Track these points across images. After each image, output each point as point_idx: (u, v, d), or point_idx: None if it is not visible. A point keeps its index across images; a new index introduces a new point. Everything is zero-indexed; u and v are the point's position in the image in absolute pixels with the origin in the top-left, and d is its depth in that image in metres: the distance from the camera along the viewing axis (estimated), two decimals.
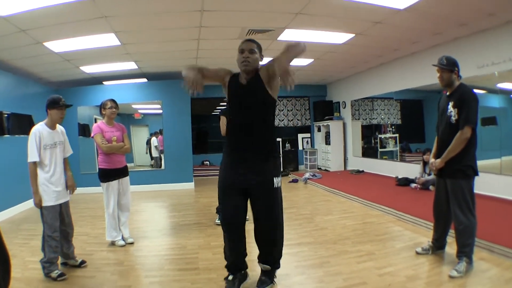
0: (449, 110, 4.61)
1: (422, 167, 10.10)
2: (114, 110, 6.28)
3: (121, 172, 6.32)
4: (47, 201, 4.83)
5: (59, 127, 5.19)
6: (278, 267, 4.37)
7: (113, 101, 6.32)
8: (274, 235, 4.15)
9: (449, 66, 4.59)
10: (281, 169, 3.73)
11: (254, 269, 4.58)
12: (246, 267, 4.36)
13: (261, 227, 4.15)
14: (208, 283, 4.52)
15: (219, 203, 4.30)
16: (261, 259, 4.31)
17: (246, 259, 4.35)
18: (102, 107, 6.29)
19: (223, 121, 6.47)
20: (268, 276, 4.29)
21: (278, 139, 16.17)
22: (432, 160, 4.91)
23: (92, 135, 6.20)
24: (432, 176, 9.20)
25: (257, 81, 3.99)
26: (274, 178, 4.02)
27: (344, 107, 15.94)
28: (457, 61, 4.65)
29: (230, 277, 4.20)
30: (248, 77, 4.04)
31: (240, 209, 4.10)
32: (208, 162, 16.07)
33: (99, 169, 6.24)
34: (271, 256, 4.27)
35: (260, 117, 4.02)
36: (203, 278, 4.70)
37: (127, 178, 6.45)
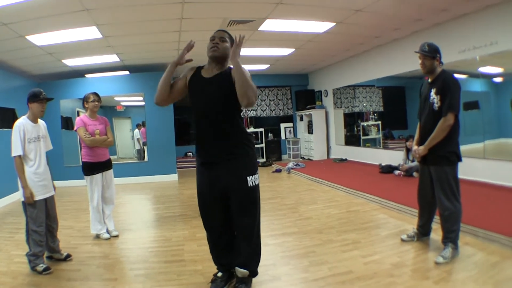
0: (431, 97, 4.63)
1: (405, 154, 10.18)
2: (96, 103, 6.24)
3: (104, 165, 6.31)
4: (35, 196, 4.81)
5: (40, 122, 5.16)
6: (256, 274, 4.11)
7: (95, 94, 6.28)
8: (251, 236, 3.91)
9: (431, 53, 4.61)
10: (258, 164, 3.51)
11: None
12: (233, 269, 4.12)
13: (238, 230, 3.97)
14: (194, 274, 4.53)
15: (198, 203, 4.09)
16: (239, 262, 3.98)
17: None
18: (84, 100, 6.26)
19: None
20: (245, 284, 3.98)
21: (260, 129, 16.32)
22: (415, 147, 4.93)
23: (75, 128, 6.17)
24: (415, 163, 9.25)
25: (225, 76, 3.76)
26: (248, 177, 3.80)
27: (326, 96, 16.00)
28: (439, 48, 4.67)
29: (220, 274, 4.09)
30: (216, 69, 3.87)
31: (219, 212, 3.96)
32: (191, 154, 16.07)
33: (82, 162, 6.22)
34: (250, 259, 3.99)
35: (227, 111, 3.75)
36: (189, 270, 4.69)
37: (111, 171, 6.45)
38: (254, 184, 3.83)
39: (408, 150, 9.79)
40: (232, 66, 3.69)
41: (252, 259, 4.00)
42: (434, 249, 4.84)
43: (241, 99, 3.51)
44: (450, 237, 4.56)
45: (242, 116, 3.97)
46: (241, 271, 3.96)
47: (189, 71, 4.04)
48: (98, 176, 6.19)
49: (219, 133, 3.73)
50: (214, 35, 3.87)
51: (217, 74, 3.81)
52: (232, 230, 4.05)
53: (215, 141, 3.76)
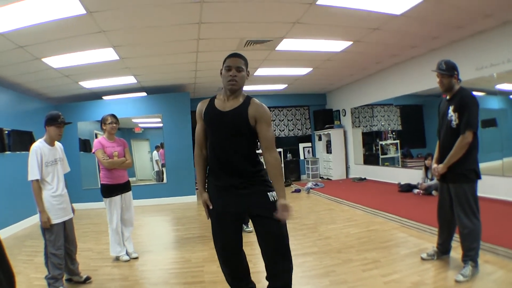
0: (449, 115, 4.60)
1: (424, 172, 10.10)
2: (114, 125, 6.25)
3: (123, 187, 6.29)
4: (53, 219, 4.78)
5: (57, 144, 5.16)
6: None
7: (113, 116, 6.29)
8: (287, 251, 3.68)
9: (448, 71, 4.58)
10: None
11: (260, 280, 4.57)
12: (254, 286, 4.04)
13: (272, 250, 3.67)
14: None
15: (212, 230, 3.85)
16: (279, 285, 3.70)
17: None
18: (102, 122, 6.27)
19: None
20: None
21: (279, 150, 16.28)
22: (434, 165, 4.89)
23: (93, 151, 6.18)
24: (434, 181, 9.20)
25: (241, 110, 3.62)
26: (268, 193, 3.61)
27: (344, 115, 15.95)
28: (456, 65, 4.64)
29: None
30: (231, 98, 3.72)
31: (234, 235, 3.78)
32: None
33: (101, 184, 6.22)
34: (289, 276, 3.70)
35: (242, 145, 3.66)
36: None
37: (129, 193, 6.44)
38: (274, 199, 3.60)
39: (427, 169, 9.73)
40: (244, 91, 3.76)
41: (290, 276, 3.73)
42: (454, 268, 4.78)
43: None
44: (470, 255, 4.50)
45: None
46: None
47: (201, 105, 3.91)
48: (117, 198, 6.17)
49: (234, 166, 3.65)
50: (230, 65, 3.63)
51: (233, 110, 3.64)
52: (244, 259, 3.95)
53: (229, 167, 3.67)
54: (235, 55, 3.69)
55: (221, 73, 3.73)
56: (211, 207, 3.73)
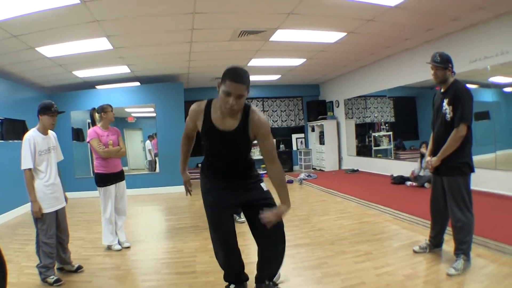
0: (444, 107, 4.60)
1: (419, 161, 10.09)
2: (113, 113, 6.30)
3: (118, 176, 6.30)
4: (45, 208, 4.78)
5: (51, 133, 5.14)
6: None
7: (111, 105, 6.33)
8: (283, 238, 3.84)
9: (442, 64, 4.57)
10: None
11: (253, 271, 4.59)
12: (246, 279, 4.15)
13: (269, 237, 3.78)
14: (205, 286, 4.52)
15: (207, 220, 3.93)
16: (270, 273, 3.97)
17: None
18: (101, 111, 6.25)
19: None
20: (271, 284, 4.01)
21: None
22: (428, 158, 4.90)
23: (88, 140, 6.16)
24: (427, 173, 9.21)
25: (241, 130, 3.54)
26: (261, 184, 3.82)
27: (338, 106, 15.97)
28: (450, 57, 4.63)
29: (232, 286, 4.05)
30: (229, 118, 3.52)
31: (229, 225, 3.83)
32: None
33: (95, 173, 6.21)
34: (280, 264, 3.94)
35: (241, 154, 3.75)
36: (200, 281, 4.68)
37: (123, 182, 6.44)
38: (267, 188, 3.83)
39: (423, 156, 9.72)
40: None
41: (281, 263, 3.95)
42: (446, 261, 4.80)
43: None
44: (462, 249, 4.51)
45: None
46: (270, 285, 3.97)
47: (197, 111, 3.68)
48: (111, 187, 6.17)
49: (231, 169, 3.76)
50: (229, 91, 3.24)
51: (233, 131, 3.53)
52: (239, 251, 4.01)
53: (226, 174, 3.78)
54: (239, 81, 3.26)
55: (218, 86, 3.37)
56: (190, 190, 4.12)
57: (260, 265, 3.94)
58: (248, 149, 3.78)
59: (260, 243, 3.84)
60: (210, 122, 3.56)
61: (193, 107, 3.72)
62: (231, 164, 3.73)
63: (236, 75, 3.26)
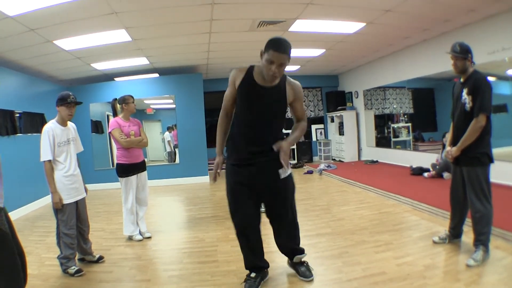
0: (463, 98, 4.58)
1: (441, 151, 10.02)
2: (134, 105, 6.35)
3: (139, 167, 6.34)
4: (65, 199, 4.81)
5: (70, 124, 5.16)
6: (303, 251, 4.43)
7: (132, 96, 6.38)
8: (290, 215, 4.21)
9: (462, 54, 4.55)
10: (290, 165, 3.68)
11: (274, 260, 4.61)
12: (268, 266, 4.32)
13: (282, 218, 4.19)
14: (227, 275, 4.55)
15: (229, 206, 4.13)
16: (292, 253, 4.38)
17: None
18: (123, 102, 6.30)
19: None
20: (304, 265, 4.38)
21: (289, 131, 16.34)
22: (448, 148, 4.88)
23: (109, 130, 6.19)
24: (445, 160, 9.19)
25: (281, 91, 3.85)
26: (280, 170, 3.92)
27: (357, 97, 15.90)
28: (470, 48, 4.60)
29: (253, 274, 4.14)
30: (274, 82, 3.82)
31: (252, 209, 4.05)
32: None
33: (117, 164, 6.23)
34: (295, 242, 4.36)
35: (275, 118, 3.94)
36: (222, 270, 4.71)
37: (145, 173, 6.47)
38: (286, 174, 3.98)
39: (444, 147, 9.65)
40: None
41: (299, 241, 4.39)
42: (465, 252, 4.79)
43: None
44: (481, 240, 4.50)
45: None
46: (299, 257, 4.35)
47: (237, 73, 3.90)
48: (133, 178, 6.21)
49: (261, 138, 3.87)
50: (273, 59, 3.52)
51: (273, 88, 3.82)
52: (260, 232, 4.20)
53: (255, 145, 3.87)
54: (282, 51, 3.53)
55: (261, 54, 3.66)
56: (219, 173, 3.96)
57: (277, 240, 4.38)
58: (282, 114, 3.98)
59: (276, 224, 4.26)
60: (252, 78, 3.81)
61: (233, 71, 3.95)
62: (262, 129, 3.85)
63: (279, 45, 3.54)
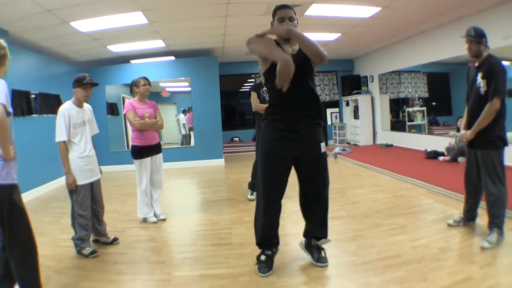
0: (478, 81, 4.58)
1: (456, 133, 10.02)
2: (148, 87, 6.26)
3: (154, 149, 6.30)
4: (80, 180, 4.83)
5: (86, 106, 5.17)
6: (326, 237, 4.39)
7: (145, 78, 6.29)
8: (325, 197, 4.23)
9: (477, 38, 4.55)
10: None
11: (288, 242, 4.65)
12: (279, 242, 4.29)
13: (311, 192, 4.21)
14: (241, 257, 4.57)
15: (262, 176, 4.13)
16: (315, 234, 4.34)
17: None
18: (134, 85, 6.26)
19: (253, 96, 6.63)
20: (322, 250, 4.34)
21: None
22: (462, 131, 4.89)
23: (124, 112, 6.20)
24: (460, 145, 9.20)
25: (301, 52, 3.86)
26: (321, 144, 4.07)
27: (372, 81, 15.87)
28: (484, 32, 4.60)
29: (263, 257, 4.14)
30: (293, 47, 4.03)
31: (285, 182, 4.11)
32: (237, 139, 16.23)
33: (132, 146, 6.22)
34: (325, 226, 4.34)
35: (309, 85, 3.99)
36: (236, 253, 4.74)
37: (160, 155, 6.44)
38: (324, 150, 4.10)
39: (459, 130, 9.65)
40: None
41: (327, 226, 4.37)
42: (480, 234, 4.80)
43: (315, 59, 3.78)
44: (496, 222, 4.51)
45: None
46: (324, 241, 4.32)
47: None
48: (147, 160, 6.20)
49: (301, 104, 3.96)
50: (282, 16, 3.89)
51: (297, 53, 3.95)
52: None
53: (295, 111, 3.95)
54: (284, 7, 3.96)
55: (271, 24, 4.03)
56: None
57: (306, 220, 4.40)
58: (312, 73, 4.03)
59: (302, 189, 4.25)
60: (280, 47, 3.88)
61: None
62: (300, 94, 3.93)
63: (280, 5, 3.99)
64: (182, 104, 14.48)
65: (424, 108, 13.12)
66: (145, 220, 6.31)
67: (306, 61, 3.85)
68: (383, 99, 15.37)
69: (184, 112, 14.34)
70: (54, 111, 5.15)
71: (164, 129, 6.65)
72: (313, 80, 4.06)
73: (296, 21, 3.94)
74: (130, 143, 6.31)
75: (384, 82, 15.21)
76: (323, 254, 4.29)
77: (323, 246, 4.32)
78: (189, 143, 13.76)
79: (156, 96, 13.72)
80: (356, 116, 16.27)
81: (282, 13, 3.90)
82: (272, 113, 4.05)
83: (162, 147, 6.53)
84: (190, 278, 4.11)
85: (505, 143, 4.56)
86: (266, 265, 4.10)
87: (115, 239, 5.35)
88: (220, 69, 13.33)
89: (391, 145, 14.38)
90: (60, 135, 4.76)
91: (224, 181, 10.02)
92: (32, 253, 3.34)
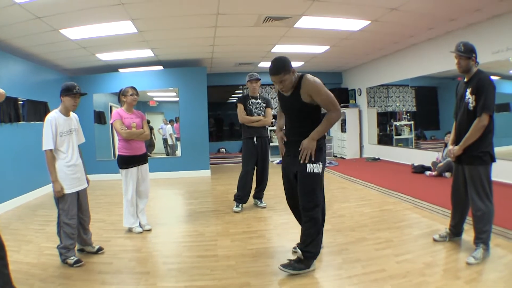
0: (466, 97, 4.61)
1: (443, 149, 10.08)
2: (135, 97, 6.24)
3: (140, 159, 6.28)
4: (67, 189, 4.81)
5: (73, 115, 5.15)
6: (309, 257, 4.42)
7: (133, 88, 6.28)
8: (306, 218, 4.42)
9: (466, 53, 4.57)
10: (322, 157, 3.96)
11: (274, 256, 4.64)
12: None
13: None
14: (227, 270, 4.54)
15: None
16: (300, 242, 4.52)
17: None
18: (122, 94, 6.24)
19: (240, 108, 6.72)
20: (299, 263, 4.40)
21: None
22: (450, 147, 4.91)
23: (111, 121, 6.16)
24: (447, 160, 9.24)
25: (295, 95, 4.32)
26: (308, 165, 4.33)
27: (360, 94, 15.94)
28: (474, 47, 4.63)
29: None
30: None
31: (292, 190, 4.74)
32: (224, 150, 16.17)
33: (118, 155, 6.21)
34: (303, 241, 4.43)
35: (301, 116, 4.44)
36: (222, 265, 4.71)
37: (146, 165, 6.42)
38: (312, 171, 4.36)
39: (446, 146, 9.69)
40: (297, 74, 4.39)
41: (304, 241, 4.42)
42: (466, 250, 4.80)
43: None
44: (482, 238, 4.52)
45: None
46: (297, 252, 4.47)
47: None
48: (133, 170, 6.18)
49: (295, 131, 4.55)
50: (273, 81, 4.30)
51: (290, 96, 4.43)
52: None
53: (290, 132, 4.63)
54: (272, 74, 4.24)
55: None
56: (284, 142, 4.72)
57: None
58: (306, 112, 4.41)
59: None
60: (280, 93, 4.58)
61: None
62: (293, 125, 4.58)
63: (270, 70, 4.26)
64: (170, 113, 14.42)
65: (412, 122, 13.18)
66: (130, 230, 6.28)
67: (297, 102, 4.35)
68: (370, 112, 15.42)
69: (171, 122, 14.27)
70: (42, 119, 5.14)
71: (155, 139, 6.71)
72: (309, 115, 4.47)
73: (288, 76, 4.22)
74: (117, 152, 6.29)
75: (372, 96, 15.28)
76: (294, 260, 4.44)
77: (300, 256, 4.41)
78: (175, 154, 13.72)
79: (143, 105, 13.69)
80: (343, 129, 16.29)
81: (273, 80, 4.28)
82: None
83: (149, 157, 6.51)
84: None
85: (492, 159, 4.58)
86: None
87: (100, 249, 5.32)
88: (208, 80, 13.30)
89: (378, 159, 14.42)
90: (47, 144, 4.74)
91: (210, 192, 9.96)
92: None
